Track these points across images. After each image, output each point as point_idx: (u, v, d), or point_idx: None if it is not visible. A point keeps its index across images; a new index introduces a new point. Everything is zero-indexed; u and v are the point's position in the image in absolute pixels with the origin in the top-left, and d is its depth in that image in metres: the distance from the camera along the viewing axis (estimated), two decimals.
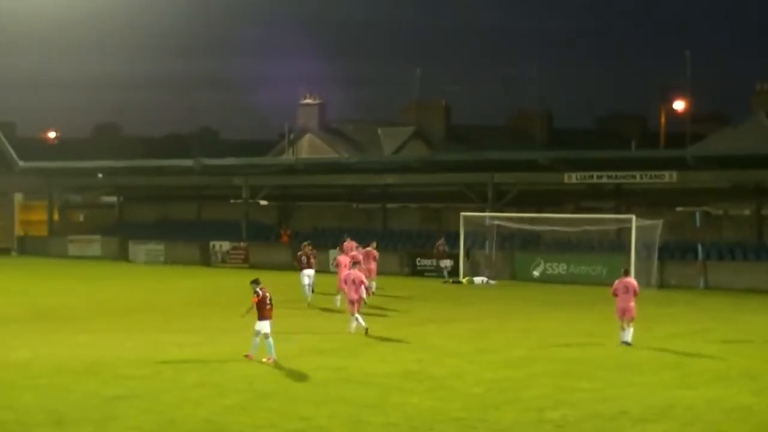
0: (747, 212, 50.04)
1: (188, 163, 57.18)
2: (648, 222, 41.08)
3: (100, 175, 62.03)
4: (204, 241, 56.11)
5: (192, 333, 27.31)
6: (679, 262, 43.96)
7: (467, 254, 46.08)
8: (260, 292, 22.81)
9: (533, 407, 18.16)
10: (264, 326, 22.65)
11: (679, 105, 68.60)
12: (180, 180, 59.54)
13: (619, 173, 45.82)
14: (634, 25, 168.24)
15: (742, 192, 47.94)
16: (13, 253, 63.49)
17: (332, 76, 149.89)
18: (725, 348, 25.34)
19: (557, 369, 22.12)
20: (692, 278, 42.58)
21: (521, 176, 48.40)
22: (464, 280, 44.74)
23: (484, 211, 47.03)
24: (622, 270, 27.03)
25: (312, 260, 35.26)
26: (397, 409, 17.93)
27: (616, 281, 25.88)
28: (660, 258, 42.28)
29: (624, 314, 25.35)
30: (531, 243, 47.90)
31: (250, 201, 57.22)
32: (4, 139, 63.57)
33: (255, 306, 22.79)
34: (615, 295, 25.65)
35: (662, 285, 41.92)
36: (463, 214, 45.64)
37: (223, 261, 54.89)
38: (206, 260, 55.35)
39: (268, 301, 22.81)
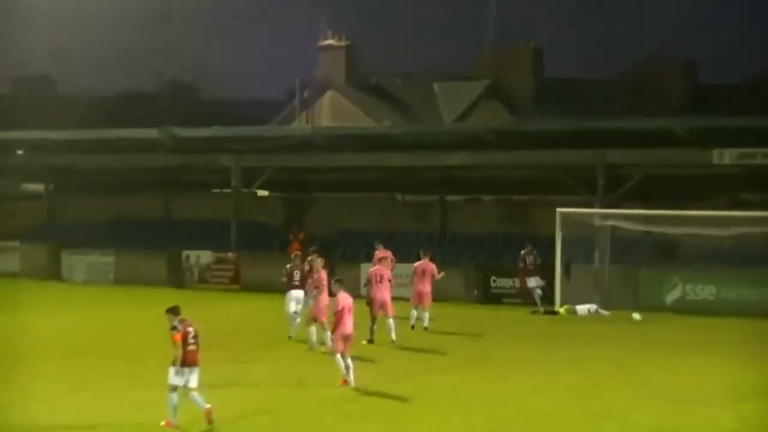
0: None
1: (153, 133, 57.15)
2: None
3: (20, 152, 62.18)
4: (174, 250, 56.32)
5: (156, 387, 27.02)
6: None
7: (566, 271, 45.92)
8: (180, 327, 22.61)
9: None
10: (186, 376, 22.43)
11: None
12: (140, 159, 59.52)
13: None
14: None
15: None
16: None
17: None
18: None
19: None
20: None
21: (648, 155, 48.01)
22: (562, 310, 44.68)
23: (591, 206, 47.04)
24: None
25: (310, 278, 34.64)
26: None
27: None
28: None
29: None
30: (663, 254, 47.66)
31: (243, 191, 57.32)
32: None
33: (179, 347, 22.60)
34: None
35: None
36: (560, 210, 45.72)
37: (202, 280, 55.11)
38: (177, 279, 55.56)
39: (191, 339, 22.66)
